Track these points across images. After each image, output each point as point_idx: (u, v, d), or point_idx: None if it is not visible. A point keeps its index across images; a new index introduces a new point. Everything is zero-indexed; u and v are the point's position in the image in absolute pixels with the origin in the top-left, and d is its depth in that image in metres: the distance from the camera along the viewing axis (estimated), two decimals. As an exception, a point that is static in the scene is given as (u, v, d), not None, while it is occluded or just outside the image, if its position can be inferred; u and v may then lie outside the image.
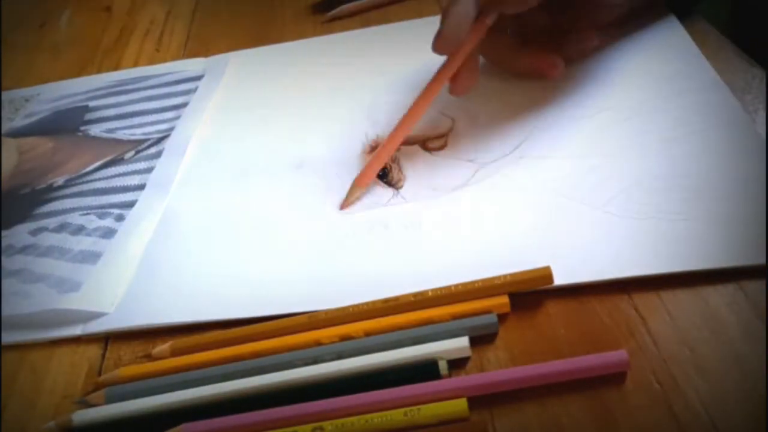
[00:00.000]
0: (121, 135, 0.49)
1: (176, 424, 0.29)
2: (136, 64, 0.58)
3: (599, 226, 0.33)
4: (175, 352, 0.33)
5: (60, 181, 0.47)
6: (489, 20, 0.37)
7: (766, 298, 0.28)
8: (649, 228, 0.32)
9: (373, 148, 0.42)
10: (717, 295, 0.29)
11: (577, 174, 0.36)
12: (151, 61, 0.58)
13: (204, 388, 0.30)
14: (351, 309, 0.32)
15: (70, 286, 0.37)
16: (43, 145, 0.51)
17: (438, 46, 0.36)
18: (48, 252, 0.41)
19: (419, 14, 0.54)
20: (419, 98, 0.39)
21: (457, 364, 0.29)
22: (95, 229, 0.41)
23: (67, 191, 0.45)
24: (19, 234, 0.43)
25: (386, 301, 0.32)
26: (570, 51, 0.41)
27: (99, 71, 0.58)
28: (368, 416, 0.28)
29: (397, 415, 0.27)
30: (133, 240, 0.40)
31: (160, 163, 0.45)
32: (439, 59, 0.38)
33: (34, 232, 0.42)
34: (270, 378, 0.30)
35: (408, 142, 0.41)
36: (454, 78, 0.39)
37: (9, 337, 0.36)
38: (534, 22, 0.41)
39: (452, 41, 0.36)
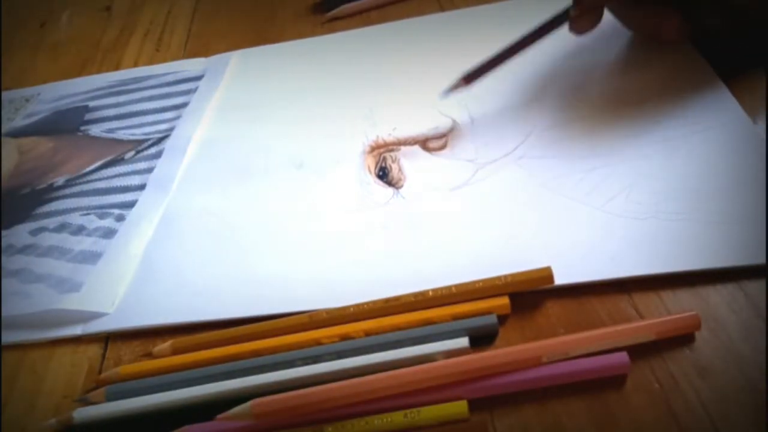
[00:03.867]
0: (121, 135, 0.50)
1: (177, 422, 0.29)
2: (136, 64, 0.58)
3: (599, 226, 0.33)
4: (176, 351, 0.33)
5: (60, 181, 0.47)
6: None
7: (766, 298, 0.28)
8: (649, 228, 0.32)
9: (374, 147, 0.42)
10: (717, 295, 0.29)
11: (577, 174, 0.36)
12: (151, 61, 0.58)
13: (205, 386, 0.30)
14: (351, 309, 0.32)
15: (71, 286, 0.37)
16: (44, 145, 0.51)
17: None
18: (48, 252, 0.41)
19: (420, 13, 0.54)
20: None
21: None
22: (95, 229, 0.41)
23: (68, 191, 0.45)
24: (19, 234, 0.43)
25: (387, 300, 0.32)
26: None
27: (99, 71, 0.58)
28: (368, 418, 0.28)
29: (397, 417, 0.27)
30: (134, 240, 0.40)
31: (160, 163, 0.45)
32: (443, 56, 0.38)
33: (35, 232, 0.43)
34: (270, 377, 0.30)
35: (408, 142, 0.41)
36: (576, 16, 0.39)
37: (9, 337, 0.36)
38: None
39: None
